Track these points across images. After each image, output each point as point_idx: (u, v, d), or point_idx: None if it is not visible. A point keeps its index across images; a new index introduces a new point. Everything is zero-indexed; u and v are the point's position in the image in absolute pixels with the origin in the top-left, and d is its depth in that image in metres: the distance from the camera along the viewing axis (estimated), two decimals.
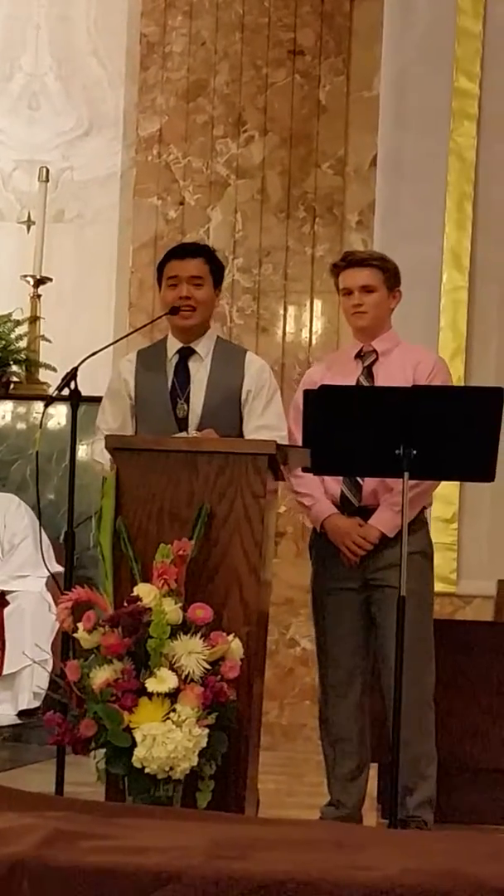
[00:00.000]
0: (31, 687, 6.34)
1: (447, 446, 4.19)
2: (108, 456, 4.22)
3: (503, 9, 7.32)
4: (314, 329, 7.40)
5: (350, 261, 4.76)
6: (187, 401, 4.49)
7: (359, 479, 4.61)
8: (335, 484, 4.64)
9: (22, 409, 7.30)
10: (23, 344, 7.23)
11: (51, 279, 7.30)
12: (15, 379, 7.31)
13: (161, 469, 4.06)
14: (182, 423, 4.46)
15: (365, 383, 4.67)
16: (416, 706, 4.47)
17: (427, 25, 7.35)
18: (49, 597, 6.38)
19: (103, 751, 3.78)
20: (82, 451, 5.60)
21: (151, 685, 3.72)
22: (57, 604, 4.11)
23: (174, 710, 3.70)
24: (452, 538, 7.09)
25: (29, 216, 7.54)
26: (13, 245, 7.56)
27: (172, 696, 3.72)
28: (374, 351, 4.72)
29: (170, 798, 3.72)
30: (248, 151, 7.50)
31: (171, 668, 3.75)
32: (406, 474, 4.16)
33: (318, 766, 5.13)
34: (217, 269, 4.64)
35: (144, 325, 5.53)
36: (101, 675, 3.76)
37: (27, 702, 6.36)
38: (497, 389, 4.18)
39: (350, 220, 7.42)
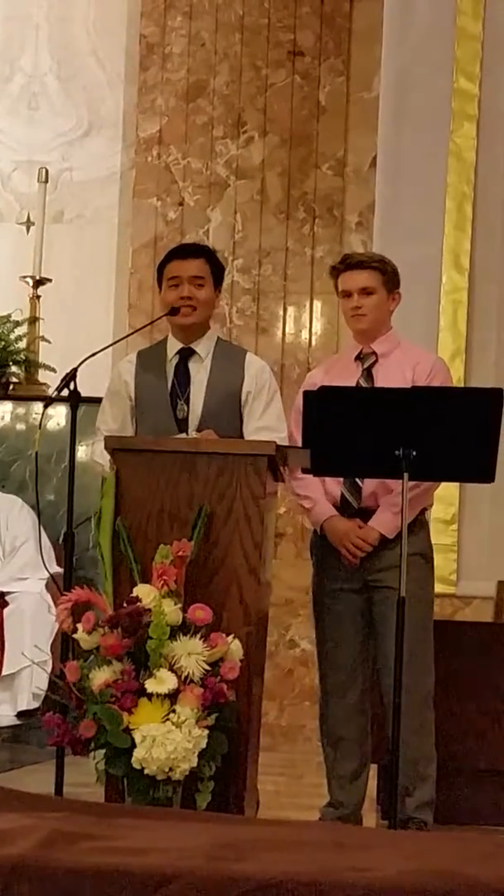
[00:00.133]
0: (30, 688, 6.34)
1: (447, 447, 4.19)
2: (107, 457, 4.22)
3: (503, 10, 7.32)
4: (314, 330, 7.39)
5: (349, 263, 4.76)
6: (187, 402, 4.49)
7: (358, 480, 4.61)
8: (335, 486, 4.64)
9: (21, 410, 7.29)
10: (22, 345, 7.22)
11: (50, 280, 7.29)
12: (14, 380, 7.30)
13: (160, 470, 4.06)
14: (182, 424, 4.46)
15: (365, 385, 4.67)
16: (415, 707, 4.47)
17: (427, 26, 7.34)
18: (49, 598, 6.38)
19: (103, 752, 3.78)
20: (82, 452, 5.60)
21: (151, 686, 3.73)
22: (56, 605, 4.11)
23: (174, 711, 3.71)
24: (452, 539, 7.08)
25: (28, 217, 7.53)
26: (12, 246, 7.56)
27: (172, 696, 3.72)
28: (374, 353, 4.73)
29: (169, 799, 3.73)
30: (248, 152, 7.50)
31: (171, 669, 3.75)
32: (406, 475, 4.16)
33: (317, 766, 5.14)
34: (217, 270, 4.64)
35: (144, 326, 5.53)
36: (100, 676, 3.77)
37: (27, 703, 6.36)
38: (497, 390, 4.18)
39: (350, 221, 7.41)
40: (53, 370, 6.95)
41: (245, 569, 4.01)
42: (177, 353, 4.58)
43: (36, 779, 5.16)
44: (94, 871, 2.61)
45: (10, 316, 7.24)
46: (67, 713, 3.88)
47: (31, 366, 7.25)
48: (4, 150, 7.75)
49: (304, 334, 7.41)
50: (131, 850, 2.72)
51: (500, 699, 5.14)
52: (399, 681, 4.12)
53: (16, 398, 7.29)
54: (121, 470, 4.08)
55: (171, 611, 3.79)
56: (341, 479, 4.63)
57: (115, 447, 4.16)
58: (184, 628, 3.81)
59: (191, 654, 3.76)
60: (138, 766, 3.67)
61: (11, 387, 7.30)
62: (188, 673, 3.74)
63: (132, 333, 5.73)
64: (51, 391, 6.39)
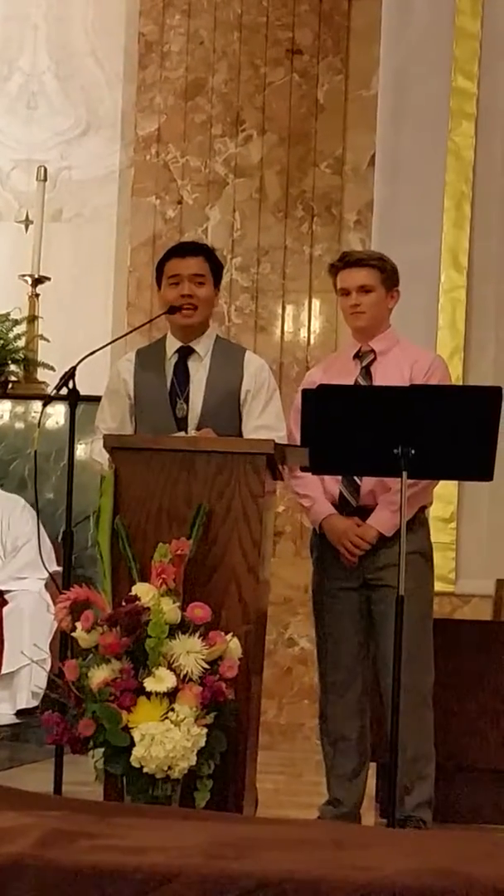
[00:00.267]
0: (29, 686, 6.34)
1: (445, 446, 4.19)
2: (106, 455, 4.22)
3: (501, 9, 7.32)
4: (312, 328, 7.40)
5: (348, 261, 4.76)
6: (186, 400, 4.49)
7: (357, 479, 4.61)
8: (334, 484, 4.64)
9: (20, 409, 7.29)
10: (21, 343, 7.23)
11: (49, 278, 7.29)
12: (13, 378, 7.30)
13: (159, 468, 4.06)
14: (181, 423, 4.46)
15: (363, 383, 4.67)
16: (414, 706, 4.47)
17: (425, 25, 7.35)
18: (48, 596, 6.38)
19: (102, 750, 3.78)
20: (81, 451, 5.60)
21: (150, 684, 3.73)
22: (55, 603, 4.11)
23: (172, 710, 3.71)
24: (451, 537, 7.09)
25: (27, 215, 7.54)
26: (11, 244, 7.56)
27: (171, 695, 3.72)
28: (373, 350, 4.72)
29: (168, 797, 3.73)
30: (247, 151, 7.50)
31: (170, 668, 3.75)
32: (404, 474, 4.16)
33: (316, 765, 5.14)
34: (217, 268, 4.64)
35: (143, 325, 5.53)
36: (99, 675, 3.77)
37: (25, 701, 6.36)
38: (495, 389, 4.18)
39: (348, 220, 7.42)
40: (52, 369, 6.95)
41: (244, 567, 4.01)
42: (176, 352, 4.57)
43: (35, 777, 5.16)
44: (93, 869, 2.60)
45: (8, 314, 7.24)
46: (66, 712, 3.88)
47: (29, 364, 7.26)
48: (3, 149, 7.76)
49: (303, 333, 7.41)
50: (130, 849, 2.72)
51: (499, 698, 5.14)
52: (398, 679, 4.12)
53: (15, 397, 7.29)
54: (120, 468, 4.08)
55: (170, 609, 3.79)
56: (340, 478, 4.63)
57: (114, 445, 4.15)
58: (182, 627, 3.81)
59: (189, 652, 3.76)
60: (137, 765, 3.68)
61: (10, 385, 7.30)
62: (187, 671, 3.74)
63: (131, 332, 5.73)
64: (50, 390, 6.38)
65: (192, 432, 4.40)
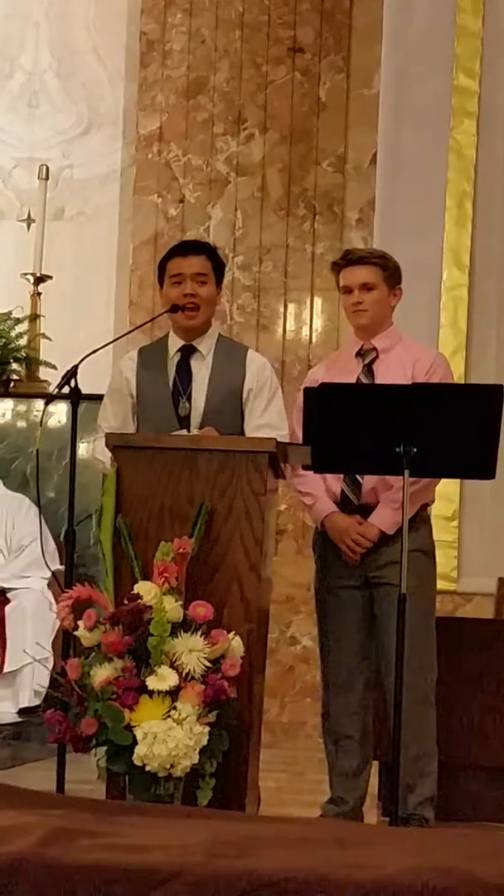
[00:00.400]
0: (31, 685, 6.34)
1: (447, 444, 4.19)
2: (108, 454, 4.22)
3: (503, 6, 7.31)
4: (314, 327, 7.39)
5: (350, 259, 4.76)
6: (189, 399, 4.49)
7: (358, 477, 4.61)
8: (336, 482, 4.64)
9: (22, 407, 7.29)
10: (23, 342, 7.23)
11: (51, 277, 7.29)
12: (15, 377, 7.30)
13: (161, 467, 4.06)
14: (184, 422, 4.46)
15: (365, 381, 4.67)
16: (416, 704, 4.47)
17: (427, 23, 7.34)
18: (50, 595, 6.38)
19: (104, 749, 3.78)
20: (83, 449, 5.60)
21: (152, 683, 3.73)
22: (58, 602, 4.11)
23: (175, 708, 3.71)
24: (453, 536, 7.09)
25: (29, 214, 7.54)
26: (13, 243, 7.56)
27: (173, 693, 3.72)
28: (375, 349, 4.72)
29: (170, 796, 3.73)
30: (248, 149, 7.50)
31: (172, 666, 3.75)
32: (406, 472, 4.16)
33: (318, 763, 5.14)
34: (219, 267, 4.64)
35: (145, 323, 5.52)
36: (101, 673, 3.77)
37: (28, 700, 6.36)
38: (497, 387, 4.18)
39: (350, 218, 7.41)
40: (54, 367, 6.95)
41: (246, 565, 4.01)
42: (178, 351, 4.57)
43: (37, 776, 5.16)
44: (95, 868, 2.61)
45: (10, 313, 7.24)
46: (69, 710, 3.89)
47: (31, 363, 7.26)
48: (5, 148, 7.76)
49: (305, 331, 7.41)
50: (133, 848, 2.72)
51: (501, 696, 5.14)
52: (400, 678, 4.12)
53: (17, 395, 7.29)
54: (122, 467, 4.08)
55: (172, 608, 3.79)
56: (341, 476, 4.63)
57: (116, 444, 4.16)
58: (185, 625, 3.81)
59: (192, 650, 3.76)
60: (139, 763, 3.68)
61: (12, 384, 7.30)
62: (189, 670, 3.74)
63: (133, 330, 5.73)
64: (52, 388, 6.38)
65: (194, 431, 4.40)
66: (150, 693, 3.72)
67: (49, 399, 4.76)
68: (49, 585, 6.42)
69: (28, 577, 6.60)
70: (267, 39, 7.51)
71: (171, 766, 3.66)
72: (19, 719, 6.38)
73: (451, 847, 2.90)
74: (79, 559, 4.60)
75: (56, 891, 2.58)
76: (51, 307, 7.32)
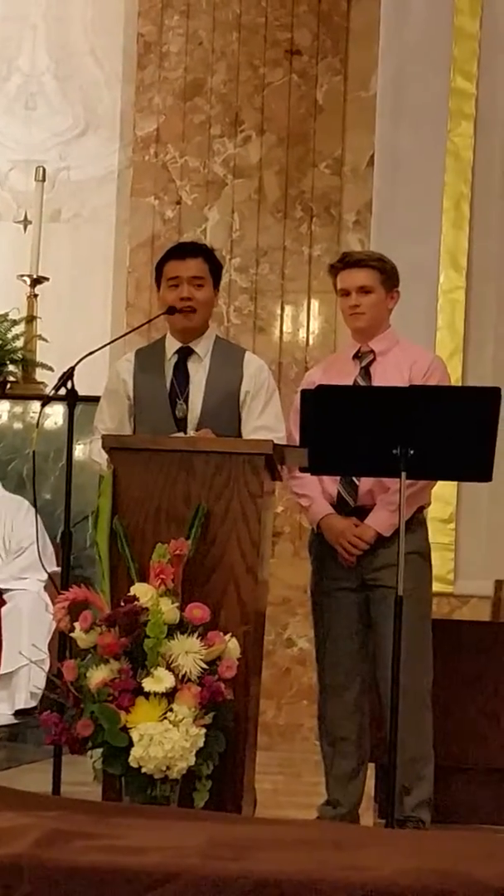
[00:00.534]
0: (28, 686, 6.34)
1: (444, 446, 4.19)
2: (105, 455, 4.22)
3: (500, 9, 7.32)
4: (311, 329, 7.39)
5: (348, 261, 4.76)
6: (186, 401, 4.49)
7: (355, 479, 4.61)
8: (332, 484, 4.64)
9: (19, 409, 7.29)
10: (20, 343, 7.23)
11: (48, 279, 7.29)
12: (12, 378, 7.30)
13: (158, 469, 4.06)
14: (181, 424, 4.46)
15: (362, 383, 4.67)
16: (413, 706, 4.47)
17: (424, 25, 7.34)
18: (46, 596, 6.38)
19: (100, 750, 3.78)
20: (79, 451, 5.60)
21: (148, 685, 3.72)
22: (54, 603, 4.11)
23: (171, 710, 3.70)
24: (450, 538, 7.09)
25: (26, 216, 7.53)
26: (10, 245, 7.56)
27: (169, 695, 3.72)
28: (372, 351, 4.72)
29: (167, 798, 3.72)
30: (246, 151, 7.50)
31: (168, 668, 3.75)
32: (403, 474, 4.16)
33: (315, 765, 5.14)
34: (216, 269, 4.64)
35: (141, 325, 5.52)
36: (97, 675, 3.76)
37: (24, 701, 6.36)
38: (494, 389, 4.18)
39: (347, 220, 7.41)
40: (51, 369, 6.95)
41: (242, 567, 4.01)
42: (175, 353, 4.57)
43: (33, 778, 5.16)
44: (91, 869, 2.60)
45: (7, 315, 7.24)
46: (65, 712, 3.88)
47: (28, 364, 7.26)
48: (2, 150, 7.76)
49: (302, 333, 7.40)
50: (129, 849, 2.72)
51: (497, 698, 5.14)
52: (396, 680, 4.12)
53: (13, 397, 7.29)
54: (118, 469, 4.08)
55: (169, 609, 3.79)
56: (338, 478, 4.62)
57: (113, 446, 4.15)
58: (181, 627, 3.80)
59: (188, 652, 3.76)
60: (136, 765, 3.67)
61: (9, 385, 7.30)
62: (186, 672, 3.74)
63: (130, 332, 5.72)
64: (48, 390, 6.39)
65: (191, 433, 4.40)
66: (147, 695, 3.72)
67: (46, 401, 4.75)
68: (46, 587, 6.41)
69: (26, 578, 6.60)
70: (264, 41, 7.51)
71: (168, 767, 3.66)
72: (15, 721, 6.38)
73: (448, 849, 2.90)
74: (75, 561, 4.59)
75: (52, 892, 2.58)
76: (47, 309, 7.32)
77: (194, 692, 3.72)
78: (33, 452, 5.09)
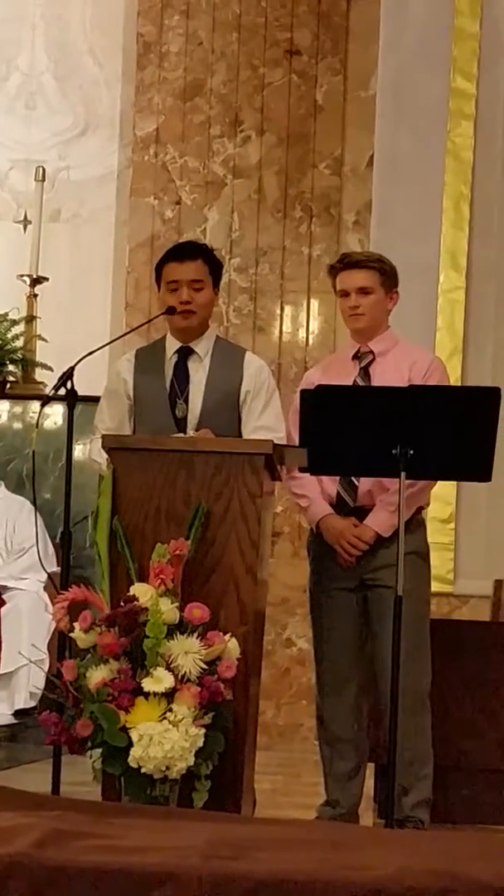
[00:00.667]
0: (27, 686, 6.34)
1: (444, 446, 4.19)
2: (105, 455, 4.22)
3: (500, 9, 7.32)
4: (311, 329, 7.39)
5: (347, 262, 4.76)
6: (186, 401, 4.49)
7: (354, 479, 4.61)
8: (332, 484, 4.64)
9: (18, 409, 7.29)
10: (19, 343, 7.23)
11: (47, 279, 7.29)
12: (11, 378, 7.31)
13: (158, 469, 4.06)
14: (181, 424, 4.46)
15: (361, 384, 4.67)
16: (412, 706, 4.47)
17: (424, 25, 7.34)
18: (46, 596, 6.38)
19: (100, 750, 3.78)
20: (79, 451, 5.60)
21: (148, 685, 3.72)
22: (54, 603, 4.11)
23: (171, 710, 3.71)
24: (449, 538, 7.08)
25: (25, 216, 7.53)
26: (9, 244, 7.55)
27: (169, 695, 3.72)
28: (371, 352, 4.73)
29: (166, 798, 3.73)
30: (245, 151, 7.50)
31: (168, 668, 3.75)
32: (403, 474, 4.16)
33: (314, 765, 5.13)
34: (216, 270, 4.63)
35: (141, 325, 5.52)
36: (97, 675, 3.76)
37: (24, 701, 6.36)
38: (494, 389, 4.18)
39: (347, 220, 7.41)
40: (50, 369, 6.95)
41: (242, 568, 4.01)
42: (175, 352, 4.57)
43: (33, 777, 5.15)
44: (90, 869, 2.60)
45: (7, 315, 7.24)
46: (64, 712, 3.88)
47: (28, 364, 7.26)
48: (1, 149, 7.75)
49: (302, 333, 7.40)
50: (128, 849, 2.72)
51: (496, 698, 5.14)
52: (396, 680, 4.12)
53: (13, 397, 7.29)
54: (118, 468, 4.08)
55: (168, 609, 3.79)
56: (337, 478, 4.63)
57: (113, 446, 4.15)
58: (181, 627, 3.81)
59: (188, 652, 3.76)
60: (135, 765, 3.67)
61: (8, 385, 7.30)
62: (185, 672, 3.74)
63: (129, 332, 5.72)
64: (48, 390, 6.38)
65: (191, 433, 4.40)
66: (146, 695, 3.72)
67: (45, 400, 4.75)
68: (45, 587, 6.41)
69: (26, 578, 6.60)
70: (264, 42, 7.51)
71: (167, 767, 3.66)
72: (15, 721, 6.38)
73: (447, 849, 2.90)
74: (75, 561, 4.59)
75: (52, 892, 2.58)
76: (47, 309, 7.32)
77: (194, 692, 3.72)
78: (33, 452, 5.10)
